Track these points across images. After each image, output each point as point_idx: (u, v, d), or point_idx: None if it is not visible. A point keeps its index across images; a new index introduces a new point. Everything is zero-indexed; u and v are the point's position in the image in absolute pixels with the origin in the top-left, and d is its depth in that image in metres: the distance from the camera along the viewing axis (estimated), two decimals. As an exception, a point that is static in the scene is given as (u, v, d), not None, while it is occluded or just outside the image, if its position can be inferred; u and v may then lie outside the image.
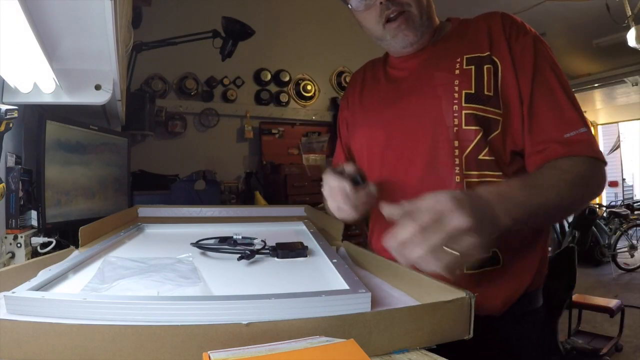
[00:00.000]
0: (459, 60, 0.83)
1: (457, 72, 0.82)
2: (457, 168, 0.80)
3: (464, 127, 0.79)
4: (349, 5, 0.88)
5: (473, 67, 0.81)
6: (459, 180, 0.79)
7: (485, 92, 0.79)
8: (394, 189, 0.87)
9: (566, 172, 0.71)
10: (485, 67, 0.80)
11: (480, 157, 0.79)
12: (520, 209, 0.63)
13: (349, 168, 0.80)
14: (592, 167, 0.74)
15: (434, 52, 0.89)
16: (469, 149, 0.79)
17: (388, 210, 0.57)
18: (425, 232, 0.52)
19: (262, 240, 0.91)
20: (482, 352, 0.67)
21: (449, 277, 0.54)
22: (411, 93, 0.88)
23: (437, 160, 0.82)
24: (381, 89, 0.96)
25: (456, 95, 0.80)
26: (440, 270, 0.53)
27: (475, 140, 0.79)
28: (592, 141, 0.75)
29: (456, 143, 0.80)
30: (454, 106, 0.80)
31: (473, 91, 0.80)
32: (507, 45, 0.80)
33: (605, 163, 0.76)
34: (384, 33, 0.87)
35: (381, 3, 0.83)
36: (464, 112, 0.79)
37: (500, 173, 0.80)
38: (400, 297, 0.62)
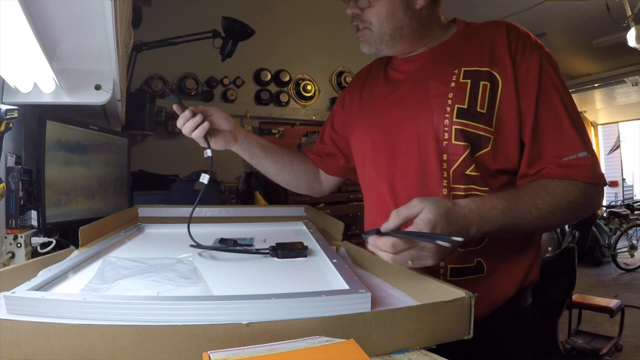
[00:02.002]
0: (456, 72, 0.82)
1: (452, 84, 0.81)
2: (445, 181, 0.80)
3: (453, 141, 0.79)
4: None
5: (469, 81, 0.80)
6: (445, 192, 0.80)
7: (478, 109, 0.78)
8: (385, 195, 0.88)
9: (554, 197, 0.72)
10: (482, 83, 0.79)
11: (467, 172, 0.80)
12: (494, 226, 0.69)
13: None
14: (588, 192, 0.74)
15: (434, 58, 0.88)
16: (456, 164, 0.80)
17: (386, 226, 0.64)
18: (397, 254, 0.61)
19: (262, 240, 0.91)
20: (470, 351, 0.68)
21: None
22: (406, 99, 0.88)
23: (426, 171, 0.82)
24: (379, 91, 0.96)
25: (448, 109, 0.80)
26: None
27: (463, 156, 0.79)
28: (592, 165, 0.74)
29: (445, 157, 0.80)
30: (445, 120, 0.80)
31: (466, 106, 0.79)
32: (510, 61, 0.79)
33: (604, 184, 0.76)
34: None
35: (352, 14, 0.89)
36: (454, 127, 0.79)
37: (487, 188, 0.79)
38: (400, 297, 0.62)
